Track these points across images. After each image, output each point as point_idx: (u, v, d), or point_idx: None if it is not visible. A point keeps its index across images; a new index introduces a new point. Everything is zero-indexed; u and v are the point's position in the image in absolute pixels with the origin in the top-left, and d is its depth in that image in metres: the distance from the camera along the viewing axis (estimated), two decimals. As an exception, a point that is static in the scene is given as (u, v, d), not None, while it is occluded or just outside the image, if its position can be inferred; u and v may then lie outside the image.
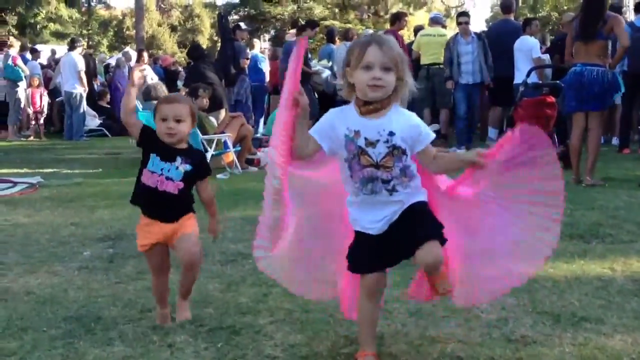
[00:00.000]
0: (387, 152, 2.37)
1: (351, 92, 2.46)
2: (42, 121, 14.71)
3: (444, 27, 11.82)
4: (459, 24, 10.56)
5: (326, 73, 11.84)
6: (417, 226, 2.41)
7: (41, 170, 8.53)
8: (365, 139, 2.38)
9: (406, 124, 2.41)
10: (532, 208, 2.50)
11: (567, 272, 3.71)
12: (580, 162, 6.94)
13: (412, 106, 11.31)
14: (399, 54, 2.38)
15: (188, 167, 2.90)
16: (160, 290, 3.06)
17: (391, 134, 2.37)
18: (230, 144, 8.47)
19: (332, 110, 2.50)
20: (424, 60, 10.93)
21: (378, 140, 2.37)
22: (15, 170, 8.55)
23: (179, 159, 2.89)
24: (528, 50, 9.71)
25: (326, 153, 2.47)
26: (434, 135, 2.47)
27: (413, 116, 2.47)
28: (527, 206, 2.50)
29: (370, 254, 2.49)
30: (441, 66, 10.74)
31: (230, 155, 8.53)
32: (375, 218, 2.46)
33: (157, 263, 3.03)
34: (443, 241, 2.39)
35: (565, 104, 7.30)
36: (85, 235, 4.77)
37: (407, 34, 14.84)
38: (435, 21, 11.73)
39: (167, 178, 2.87)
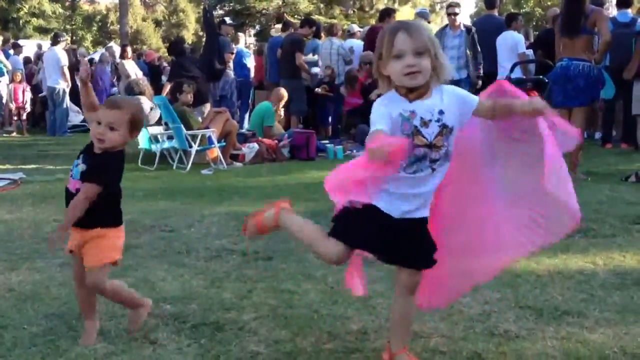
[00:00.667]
0: (439, 131, 2.35)
1: (388, 85, 2.41)
2: (24, 117, 14.57)
3: (429, 22, 11.80)
4: (448, 14, 10.19)
5: (316, 69, 11.83)
6: (422, 247, 2.43)
7: (23, 167, 8.45)
8: (421, 118, 2.34)
9: (452, 100, 2.39)
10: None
11: (550, 267, 3.73)
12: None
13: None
14: (429, 37, 2.36)
15: (84, 167, 2.70)
16: (80, 301, 2.87)
17: (441, 112, 2.35)
18: (214, 139, 8.43)
19: (381, 100, 2.41)
20: None
21: (430, 120, 2.34)
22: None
23: (81, 157, 2.74)
24: (513, 45, 9.73)
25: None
26: (477, 98, 2.45)
27: (452, 88, 2.44)
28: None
29: (372, 229, 2.40)
30: None
31: (215, 151, 8.49)
32: (405, 206, 2.40)
33: (74, 272, 2.85)
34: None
35: (552, 98, 7.33)
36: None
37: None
38: (420, 16, 11.72)
39: (72, 176, 2.73)
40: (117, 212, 2.82)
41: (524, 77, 9.05)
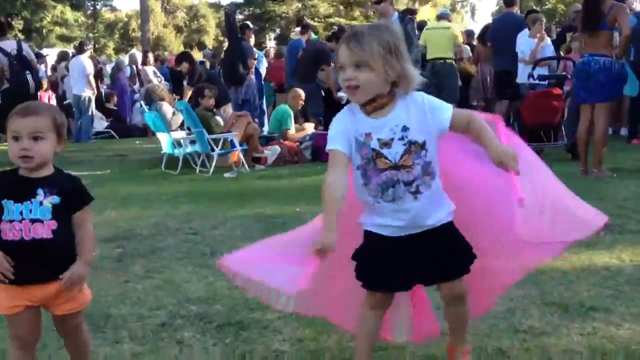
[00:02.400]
0: (405, 149, 2.16)
1: None
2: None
3: (449, 22, 11.75)
4: (373, 3, 9.45)
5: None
6: (450, 255, 2.27)
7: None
8: (379, 140, 2.17)
9: (419, 111, 2.19)
10: None
11: (576, 263, 3.70)
12: (588, 153, 6.92)
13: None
14: (379, 47, 2.12)
15: (56, 198, 2.15)
16: None
17: (405, 128, 2.16)
18: (236, 143, 8.48)
19: (340, 114, 2.28)
20: (429, 55, 10.86)
21: (392, 139, 2.16)
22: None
23: (40, 192, 2.14)
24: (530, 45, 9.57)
25: (349, 158, 2.24)
26: (450, 107, 2.24)
27: (423, 95, 2.23)
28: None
29: (391, 264, 2.26)
30: (447, 61, 10.68)
31: (237, 154, 8.54)
32: (391, 223, 2.24)
33: (24, 331, 2.19)
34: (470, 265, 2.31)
35: (574, 94, 7.30)
36: (94, 235, 4.78)
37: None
38: (441, 17, 11.70)
39: (33, 220, 2.11)
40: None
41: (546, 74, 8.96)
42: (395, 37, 2.20)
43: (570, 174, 6.79)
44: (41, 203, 2.13)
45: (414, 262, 2.25)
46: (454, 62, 10.88)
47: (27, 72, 10.01)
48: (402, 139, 2.16)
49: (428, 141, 2.18)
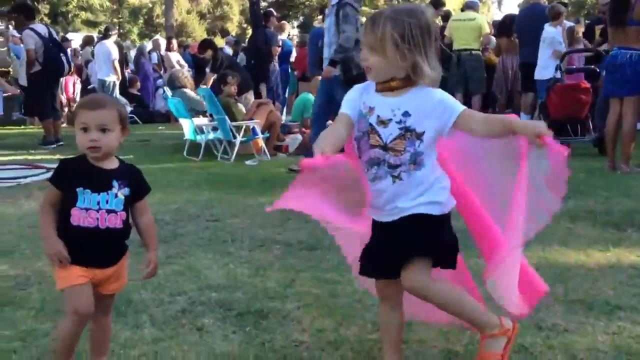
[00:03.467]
0: (399, 133, 2.15)
1: None
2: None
3: (476, 12, 11.57)
4: None
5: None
6: (411, 240, 2.21)
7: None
8: (378, 116, 2.18)
9: (427, 103, 2.16)
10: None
11: (601, 260, 3.65)
12: (615, 148, 6.82)
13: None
14: (394, 33, 2.10)
15: (127, 190, 2.28)
16: (75, 343, 2.32)
17: (406, 114, 2.15)
18: (258, 130, 8.48)
19: (356, 85, 2.32)
20: (455, 46, 10.76)
21: (390, 120, 2.16)
22: (48, 157, 8.66)
23: (115, 184, 2.25)
24: (554, 41, 9.40)
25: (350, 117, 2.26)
26: (462, 107, 2.19)
27: (437, 92, 2.20)
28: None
29: (377, 250, 2.28)
30: (472, 51, 10.58)
31: (259, 142, 8.54)
32: (374, 204, 2.23)
33: (85, 304, 2.23)
34: (445, 263, 2.25)
35: (603, 88, 7.19)
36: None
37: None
38: (468, 7, 11.54)
39: (109, 211, 2.23)
40: None
41: (574, 67, 8.85)
42: (417, 24, 2.13)
43: (597, 170, 6.72)
44: (116, 195, 2.25)
45: (388, 249, 2.23)
46: (480, 53, 10.76)
47: (62, 54, 10.12)
48: (399, 122, 2.16)
49: (426, 134, 2.16)
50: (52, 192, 2.22)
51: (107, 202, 2.22)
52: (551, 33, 9.32)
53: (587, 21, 12.67)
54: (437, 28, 2.27)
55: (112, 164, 2.30)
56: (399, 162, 2.17)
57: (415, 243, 2.20)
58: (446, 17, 11.67)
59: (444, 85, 10.83)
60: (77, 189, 2.20)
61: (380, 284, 2.36)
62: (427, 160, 2.19)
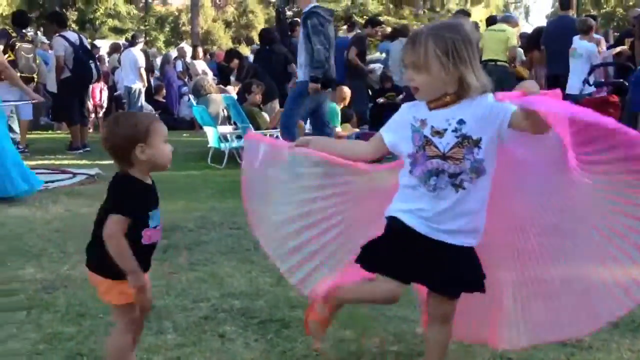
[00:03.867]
0: (456, 142, 2.13)
1: None
2: (101, 114, 15.05)
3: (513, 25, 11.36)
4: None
5: (378, 68, 11.81)
6: (457, 272, 2.22)
7: (100, 162, 8.73)
8: (432, 127, 2.16)
9: (478, 109, 2.14)
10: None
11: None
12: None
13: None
14: (436, 49, 2.10)
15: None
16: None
17: (461, 122, 2.13)
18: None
19: (404, 105, 2.33)
20: (483, 57, 10.73)
21: (446, 130, 2.14)
22: (75, 162, 8.79)
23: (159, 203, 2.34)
24: (587, 55, 9.30)
25: (387, 146, 2.30)
26: (514, 106, 2.11)
27: (487, 98, 2.16)
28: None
29: (405, 256, 2.22)
30: (499, 63, 10.54)
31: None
32: (431, 214, 2.19)
33: (136, 316, 2.33)
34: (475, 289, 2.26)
35: (630, 101, 7.14)
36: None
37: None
38: (502, 19, 11.48)
39: (157, 227, 2.31)
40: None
41: (602, 80, 8.77)
42: (459, 38, 2.13)
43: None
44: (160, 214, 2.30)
45: (425, 262, 2.21)
46: (506, 65, 10.71)
47: (91, 61, 10.30)
48: (455, 130, 2.14)
49: (484, 140, 2.14)
50: (125, 222, 2.15)
51: (151, 220, 2.24)
52: (588, 47, 9.22)
53: (616, 34, 12.55)
54: (478, 38, 2.25)
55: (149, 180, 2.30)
56: (459, 170, 2.15)
57: (462, 279, 2.24)
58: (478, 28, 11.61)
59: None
60: (150, 212, 2.23)
61: (401, 285, 2.27)
62: (487, 167, 2.18)
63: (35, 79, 10.16)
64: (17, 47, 9.77)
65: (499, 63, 10.55)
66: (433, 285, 2.27)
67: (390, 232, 2.27)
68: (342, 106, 10.54)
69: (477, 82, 2.14)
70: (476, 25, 12.49)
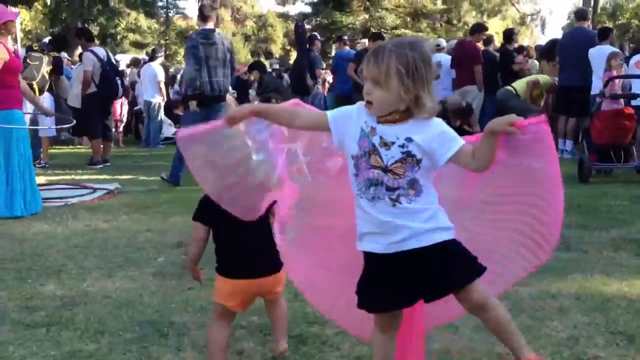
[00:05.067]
0: (400, 157, 2.16)
1: None
2: (121, 129, 15.21)
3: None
4: None
5: None
6: (446, 269, 2.20)
7: (119, 177, 8.84)
8: (381, 137, 2.17)
9: (430, 133, 2.17)
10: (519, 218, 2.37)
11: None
12: (660, 175, 6.70)
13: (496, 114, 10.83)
14: (398, 66, 2.10)
15: None
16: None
17: (409, 139, 2.15)
18: (300, 153, 8.54)
19: (359, 105, 2.29)
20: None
21: (393, 143, 2.16)
22: (94, 177, 8.90)
23: None
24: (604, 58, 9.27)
25: (333, 140, 2.31)
26: (462, 141, 2.20)
27: (440, 124, 2.21)
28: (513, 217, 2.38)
29: (381, 286, 2.24)
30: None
31: (302, 165, 8.60)
32: (375, 229, 2.22)
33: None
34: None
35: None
36: (160, 241, 4.92)
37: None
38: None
39: None
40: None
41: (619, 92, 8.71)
42: (421, 59, 2.14)
43: (640, 197, 6.60)
44: None
45: (410, 278, 2.20)
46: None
47: (117, 77, 10.45)
48: (402, 146, 2.16)
49: (424, 160, 2.17)
50: None
51: None
52: (611, 50, 9.21)
53: (631, 45, 12.47)
54: (434, 60, 2.28)
55: None
56: (396, 185, 2.17)
57: (464, 272, 2.19)
58: (487, 41, 11.61)
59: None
60: None
61: (388, 316, 2.31)
62: (425, 188, 2.20)
63: (34, 86, 10.24)
64: (25, 56, 9.99)
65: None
66: (437, 293, 2.24)
67: (366, 268, 2.29)
68: None
69: (431, 104, 2.17)
70: (492, 38, 12.44)
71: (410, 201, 2.18)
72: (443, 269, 2.19)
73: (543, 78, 10.56)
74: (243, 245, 2.55)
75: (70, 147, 13.82)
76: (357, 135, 2.21)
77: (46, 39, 15.51)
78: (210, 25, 7.84)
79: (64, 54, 14.81)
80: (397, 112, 2.17)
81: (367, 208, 2.21)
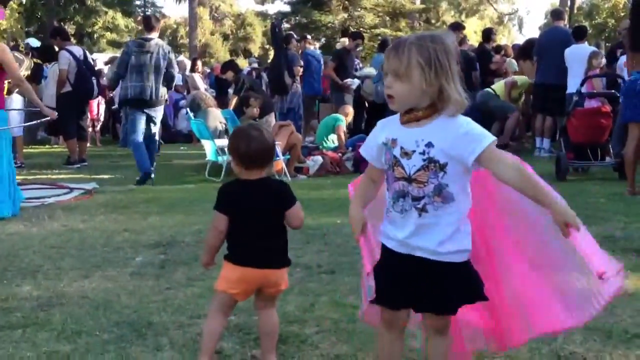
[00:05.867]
0: (422, 165, 2.11)
1: None
2: (98, 128, 15.07)
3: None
4: None
5: (356, 84, 11.83)
6: (459, 289, 2.20)
7: (96, 177, 8.76)
8: (402, 148, 2.14)
9: (452, 135, 2.10)
10: None
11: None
12: (635, 173, 6.77)
13: (473, 112, 11.04)
14: (419, 58, 2.06)
15: None
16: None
17: (429, 145, 2.10)
18: (279, 152, 8.54)
19: (379, 122, 2.31)
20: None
21: (414, 151, 2.12)
22: (71, 176, 8.81)
23: None
24: (586, 58, 9.37)
25: (376, 167, 2.30)
26: (492, 138, 2.10)
27: (464, 123, 2.13)
28: None
29: (393, 280, 2.24)
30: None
31: (280, 164, 8.60)
32: (397, 230, 2.22)
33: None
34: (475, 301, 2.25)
35: (621, 112, 7.18)
36: (137, 241, 4.88)
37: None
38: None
39: None
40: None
41: (594, 91, 8.81)
42: (444, 50, 2.10)
43: (617, 195, 6.67)
44: None
45: (412, 283, 2.20)
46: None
47: (93, 77, 10.34)
48: (423, 153, 2.12)
49: (450, 164, 2.11)
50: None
51: None
52: (589, 49, 9.32)
53: (607, 44, 12.62)
54: (458, 52, 2.21)
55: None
56: (422, 193, 2.13)
57: (450, 296, 2.19)
58: (461, 41, 11.69)
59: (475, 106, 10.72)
60: None
61: (395, 313, 2.31)
62: (455, 193, 2.14)
63: (6, 87, 10.13)
64: None
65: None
66: (421, 306, 2.26)
67: (382, 260, 2.30)
68: (347, 122, 10.68)
69: (458, 96, 2.10)
70: (465, 39, 12.55)
71: (437, 208, 2.14)
72: (444, 290, 2.18)
73: (521, 79, 10.67)
74: (256, 236, 2.59)
75: (47, 146, 13.67)
76: (383, 151, 2.22)
77: (30, 40, 15.35)
78: (152, 34, 8.49)
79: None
80: (421, 108, 2.13)
81: (397, 221, 2.21)
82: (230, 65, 12.09)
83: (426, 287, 2.19)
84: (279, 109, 11.13)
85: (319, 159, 9.35)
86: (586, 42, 9.88)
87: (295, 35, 13.10)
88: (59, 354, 2.81)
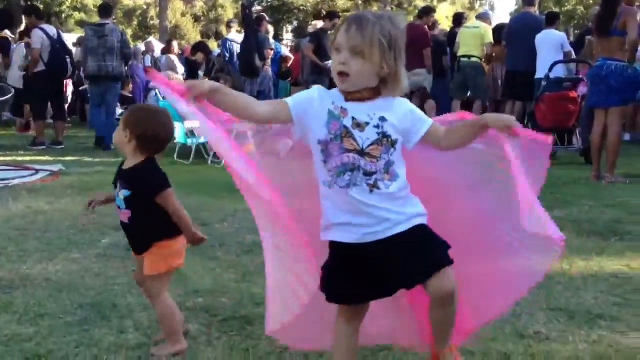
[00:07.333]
0: (377, 139, 2.04)
1: None
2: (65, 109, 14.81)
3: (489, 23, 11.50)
4: None
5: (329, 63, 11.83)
6: (425, 251, 2.06)
7: (63, 159, 8.63)
8: (353, 118, 2.04)
9: (401, 111, 2.09)
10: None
11: (583, 269, 3.68)
12: (601, 158, 6.88)
13: (444, 97, 11.01)
14: (381, 38, 1.99)
15: (126, 192, 2.56)
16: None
17: (383, 119, 2.05)
18: (250, 135, 8.48)
19: (318, 88, 2.18)
20: (459, 53, 10.94)
21: (368, 124, 2.04)
22: (37, 158, 8.66)
23: (119, 185, 2.60)
24: (557, 44, 9.43)
25: (292, 116, 2.15)
26: (431, 120, 2.15)
27: (407, 102, 2.15)
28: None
29: (353, 277, 2.12)
30: (472, 58, 10.73)
31: (250, 146, 8.53)
32: (350, 220, 2.09)
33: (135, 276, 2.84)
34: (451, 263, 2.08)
35: (587, 98, 7.28)
36: (104, 223, 4.80)
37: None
38: (479, 16, 11.79)
39: (119, 208, 2.60)
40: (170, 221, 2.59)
41: (563, 76, 8.90)
42: (399, 31, 2.06)
43: (582, 179, 6.79)
44: (118, 195, 2.59)
45: (383, 269, 2.10)
46: (478, 61, 10.86)
47: (67, 56, 10.15)
48: (377, 127, 2.05)
49: (398, 142, 2.09)
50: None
51: (117, 200, 2.59)
52: (560, 36, 9.44)
53: (576, 31, 12.76)
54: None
55: (128, 164, 2.60)
56: (374, 169, 2.05)
57: (436, 256, 2.06)
58: (433, 26, 11.73)
59: (446, 91, 10.90)
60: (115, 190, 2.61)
61: (355, 307, 2.22)
62: (399, 171, 2.10)
63: None
64: None
65: (472, 59, 10.73)
66: (415, 279, 2.08)
67: (334, 257, 2.17)
68: None
69: (406, 82, 2.11)
70: (436, 23, 12.61)
71: (388, 186, 2.07)
72: (422, 252, 2.06)
73: (487, 37, 10.85)
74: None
75: (13, 128, 13.41)
76: (325, 119, 2.07)
77: None
78: (107, 20, 10.12)
79: (7, 32, 14.31)
80: (368, 89, 2.08)
81: (340, 196, 2.07)
82: (200, 47, 11.96)
83: (406, 261, 2.06)
84: (249, 91, 11.03)
85: (289, 141, 9.30)
86: (555, 29, 9.96)
87: (267, 18, 12.97)
88: (21, 337, 2.76)
